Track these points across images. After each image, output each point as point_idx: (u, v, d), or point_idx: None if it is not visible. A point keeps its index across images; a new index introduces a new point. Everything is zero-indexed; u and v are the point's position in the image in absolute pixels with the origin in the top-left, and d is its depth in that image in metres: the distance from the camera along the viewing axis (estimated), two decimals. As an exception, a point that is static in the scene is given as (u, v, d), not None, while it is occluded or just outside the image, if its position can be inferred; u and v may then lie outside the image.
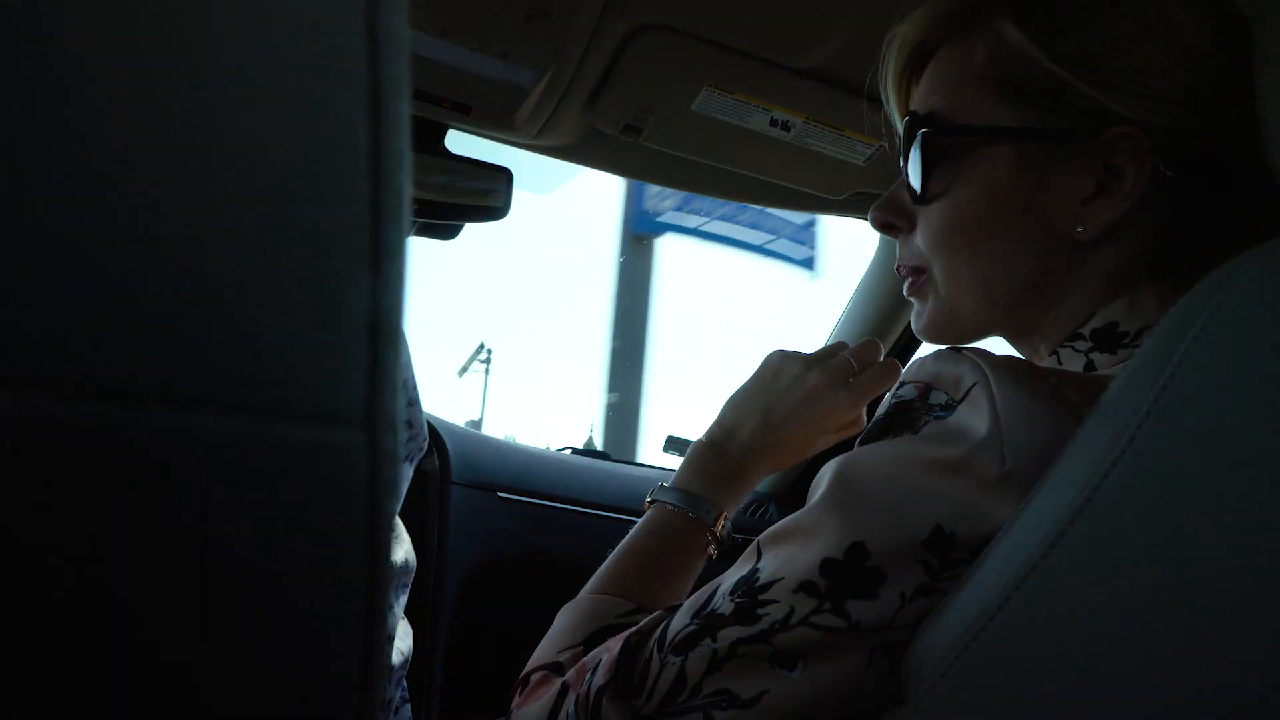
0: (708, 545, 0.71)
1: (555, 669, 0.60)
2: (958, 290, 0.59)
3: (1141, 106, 0.51)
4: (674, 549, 0.70)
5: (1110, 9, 0.52)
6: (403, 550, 0.81)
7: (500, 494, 1.24)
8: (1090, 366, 0.54)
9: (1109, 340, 0.54)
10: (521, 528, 1.23)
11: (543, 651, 0.63)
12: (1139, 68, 0.51)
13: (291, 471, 0.19)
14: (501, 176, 1.09)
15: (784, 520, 0.51)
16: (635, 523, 0.72)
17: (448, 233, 1.14)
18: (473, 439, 1.32)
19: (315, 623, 0.19)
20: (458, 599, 1.17)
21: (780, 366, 0.75)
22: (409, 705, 0.90)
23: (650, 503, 0.73)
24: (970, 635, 0.43)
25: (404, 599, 0.83)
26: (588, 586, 0.68)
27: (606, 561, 0.70)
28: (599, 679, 0.53)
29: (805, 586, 0.47)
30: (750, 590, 0.49)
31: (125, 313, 0.17)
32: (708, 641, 0.49)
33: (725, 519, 0.72)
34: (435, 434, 1.27)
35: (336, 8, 0.19)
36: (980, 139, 0.56)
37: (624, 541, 0.70)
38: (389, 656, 0.78)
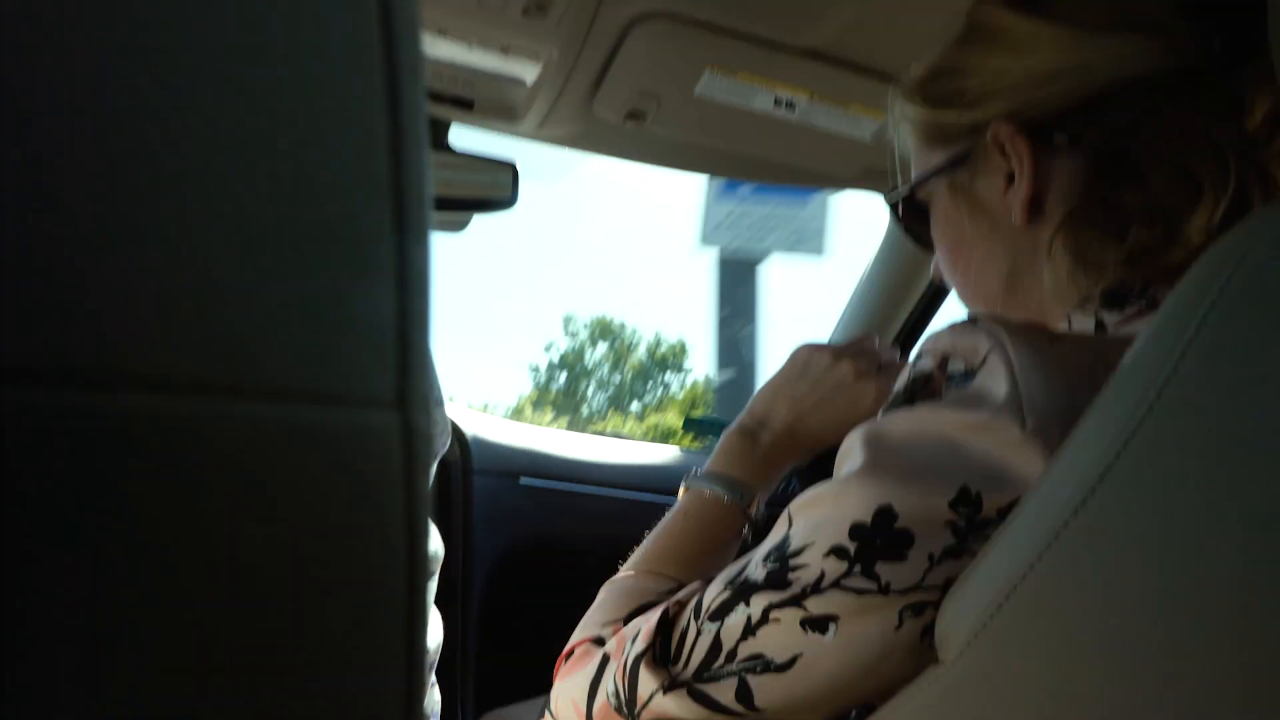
0: (742, 528, 0.75)
1: (597, 642, 0.62)
2: (969, 305, 0.69)
3: (998, 102, 0.61)
4: (710, 531, 0.73)
5: (957, 49, 0.64)
6: (431, 539, 0.83)
7: (523, 479, 1.25)
8: (1100, 326, 0.57)
9: (1116, 298, 0.57)
10: (545, 512, 1.24)
11: (585, 626, 0.66)
12: (983, 78, 0.62)
13: (327, 454, 0.19)
14: (507, 170, 1.09)
15: (814, 487, 0.52)
16: (656, 503, 0.76)
17: (455, 226, 1.14)
18: (491, 426, 1.32)
19: (359, 604, 0.20)
20: (486, 586, 1.18)
21: (810, 359, 0.80)
22: (437, 689, 0.92)
23: (685, 488, 0.76)
24: (1003, 595, 0.44)
25: (433, 588, 0.85)
26: (627, 565, 0.71)
27: (644, 542, 0.73)
28: (638, 646, 0.54)
29: (836, 550, 0.48)
30: (782, 556, 0.50)
31: (157, 303, 0.18)
32: (741, 607, 0.50)
33: (758, 503, 0.76)
34: (454, 424, 1.27)
35: (358, 18, 0.19)
36: (924, 184, 0.67)
37: (661, 523, 0.74)
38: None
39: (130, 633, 0.18)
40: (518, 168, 1.10)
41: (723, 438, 0.79)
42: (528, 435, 1.35)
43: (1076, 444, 0.43)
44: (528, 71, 0.98)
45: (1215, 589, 0.39)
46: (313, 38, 0.20)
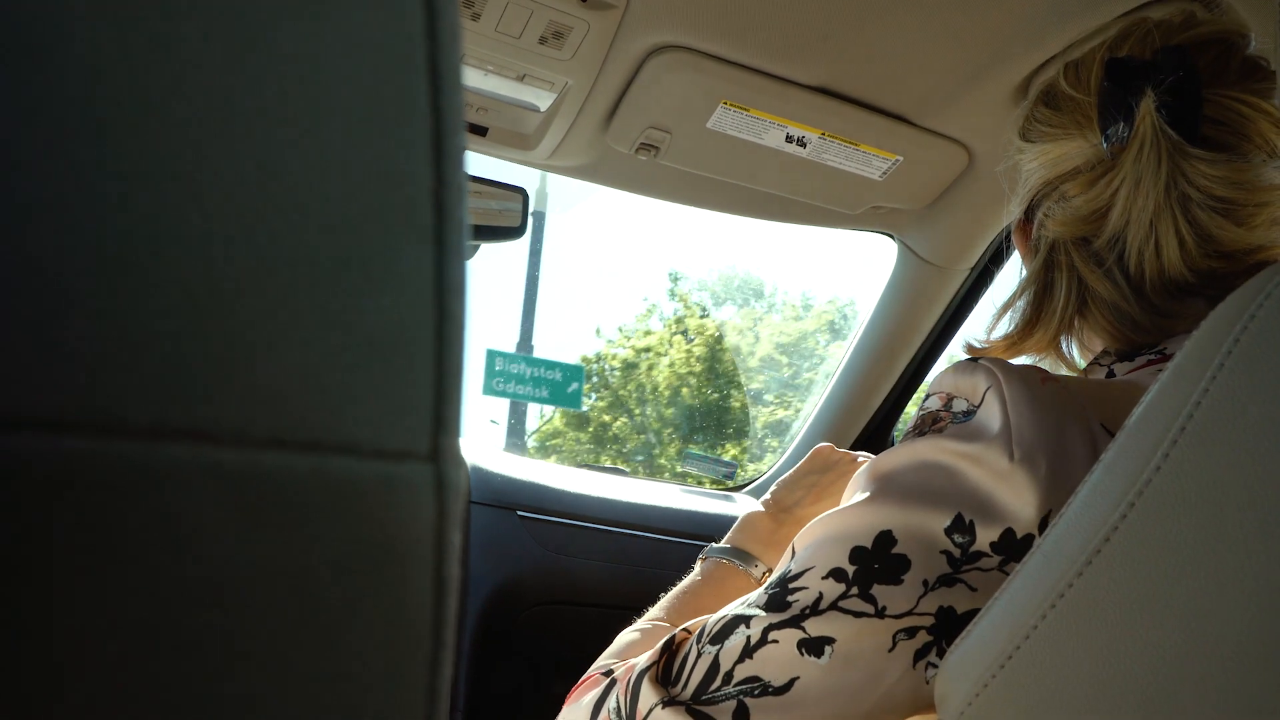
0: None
1: (607, 673, 0.64)
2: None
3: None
4: (725, 590, 0.78)
5: None
6: None
7: (520, 513, 1.23)
8: (1111, 375, 0.60)
9: (1127, 354, 0.60)
10: (543, 546, 1.22)
11: (601, 661, 0.68)
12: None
13: (361, 507, 0.19)
14: (517, 196, 1.10)
15: (816, 518, 0.55)
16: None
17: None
18: (490, 457, 1.31)
19: (384, 657, 0.20)
20: (480, 619, 1.16)
21: (831, 455, 0.87)
22: None
23: (703, 558, 0.82)
24: (1005, 654, 0.43)
25: None
26: (646, 616, 0.76)
27: (662, 600, 0.78)
28: (643, 663, 0.57)
29: (834, 573, 0.51)
30: (783, 581, 0.53)
31: (198, 355, 0.17)
32: (741, 629, 0.52)
33: (770, 575, 0.80)
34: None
35: (401, 42, 0.19)
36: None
37: (680, 585, 0.80)
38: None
39: (154, 680, 0.18)
40: (528, 194, 1.10)
41: (742, 518, 0.85)
42: (528, 469, 1.33)
43: (1083, 497, 0.43)
44: (542, 100, 0.98)
45: (1221, 654, 0.39)
46: (361, 81, 0.19)
